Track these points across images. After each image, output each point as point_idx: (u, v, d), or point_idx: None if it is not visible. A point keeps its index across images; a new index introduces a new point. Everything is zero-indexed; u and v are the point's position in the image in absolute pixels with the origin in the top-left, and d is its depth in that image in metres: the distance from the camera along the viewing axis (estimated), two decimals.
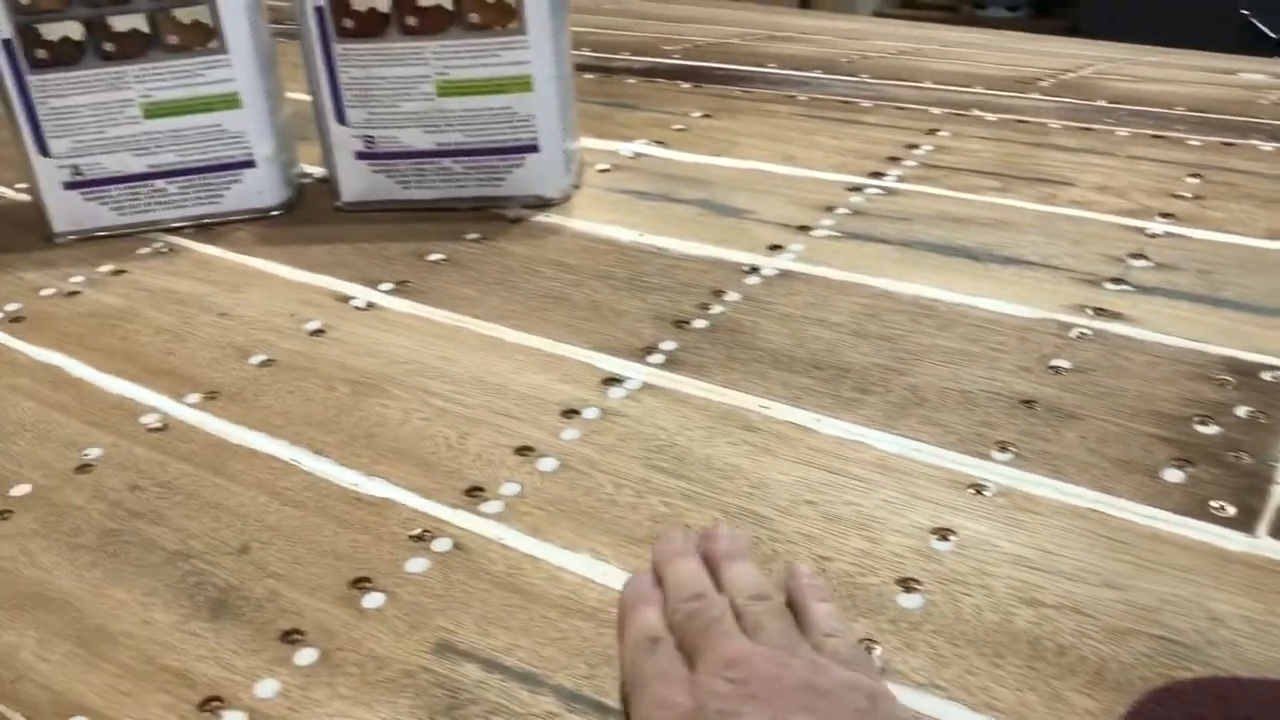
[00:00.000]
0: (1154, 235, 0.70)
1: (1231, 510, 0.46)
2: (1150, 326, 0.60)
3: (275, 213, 0.82)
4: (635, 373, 0.59)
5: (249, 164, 0.79)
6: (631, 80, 1.11)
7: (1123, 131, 0.89)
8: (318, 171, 0.85)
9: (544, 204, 0.79)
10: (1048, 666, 0.40)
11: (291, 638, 0.43)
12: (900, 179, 0.81)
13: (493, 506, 0.50)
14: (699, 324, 0.63)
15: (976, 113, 0.95)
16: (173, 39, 0.75)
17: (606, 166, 0.87)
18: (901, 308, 0.63)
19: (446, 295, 0.68)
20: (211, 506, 0.51)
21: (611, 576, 0.45)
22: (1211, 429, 0.51)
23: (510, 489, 0.51)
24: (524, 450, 0.53)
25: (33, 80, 0.74)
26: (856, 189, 0.79)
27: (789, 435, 0.53)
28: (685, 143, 0.91)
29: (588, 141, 0.90)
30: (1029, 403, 0.54)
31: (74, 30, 0.73)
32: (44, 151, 0.76)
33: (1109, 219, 0.73)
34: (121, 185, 0.78)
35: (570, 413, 0.56)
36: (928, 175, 0.81)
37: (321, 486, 0.52)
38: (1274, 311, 0.61)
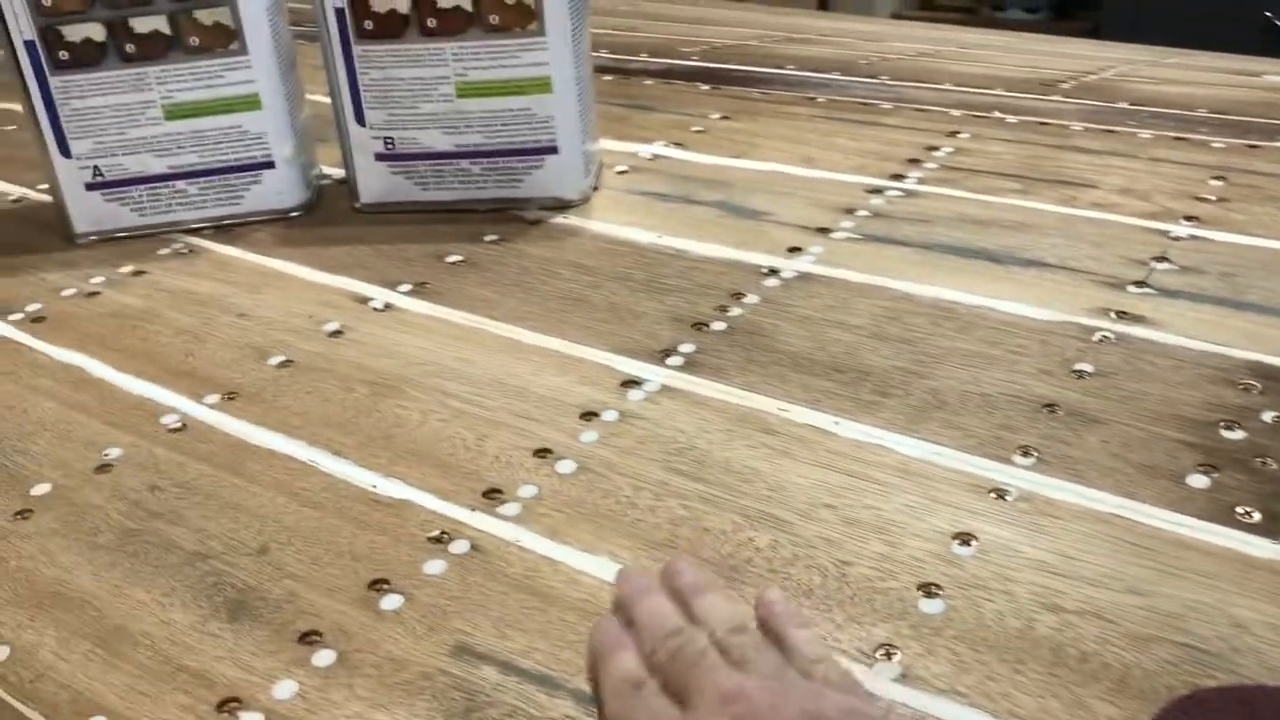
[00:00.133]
0: (1177, 238, 0.70)
1: (1257, 516, 0.46)
2: (1174, 330, 0.59)
3: (294, 214, 0.82)
4: (654, 375, 0.59)
5: (269, 165, 0.80)
6: (650, 82, 1.11)
7: (1145, 133, 0.88)
8: (337, 173, 0.85)
9: (563, 205, 0.79)
10: (1070, 673, 0.39)
11: (309, 639, 0.43)
12: (920, 181, 0.80)
13: (511, 508, 0.49)
14: (718, 326, 0.63)
15: (997, 115, 0.94)
16: (194, 40, 0.75)
17: (625, 168, 0.86)
18: (922, 310, 0.63)
19: (465, 297, 0.68)
20: (230, 507, 0.51)
21: None
22: (1237, 434, 0.51)
23: (528, 491, 0.50)
24: (542, 452, 0.53)
25: (55, 81, 0.75)
26: (876, 191, 0.79)
27: (808, 438, 0.53)
28: (704, 144, 0.91)
29: (606, 143, 0.90)
30: (1051, 406, 0.54)
31: (96, 32, 0.74)
32: (65, 152, 0.77)
33: (1131, 221, 0.72)
34: (142, 186, 0.79)
35: (589, 415, 0.56)
36: (948, 177, 0.81)
37: (340, 487, 0.52)
38: None
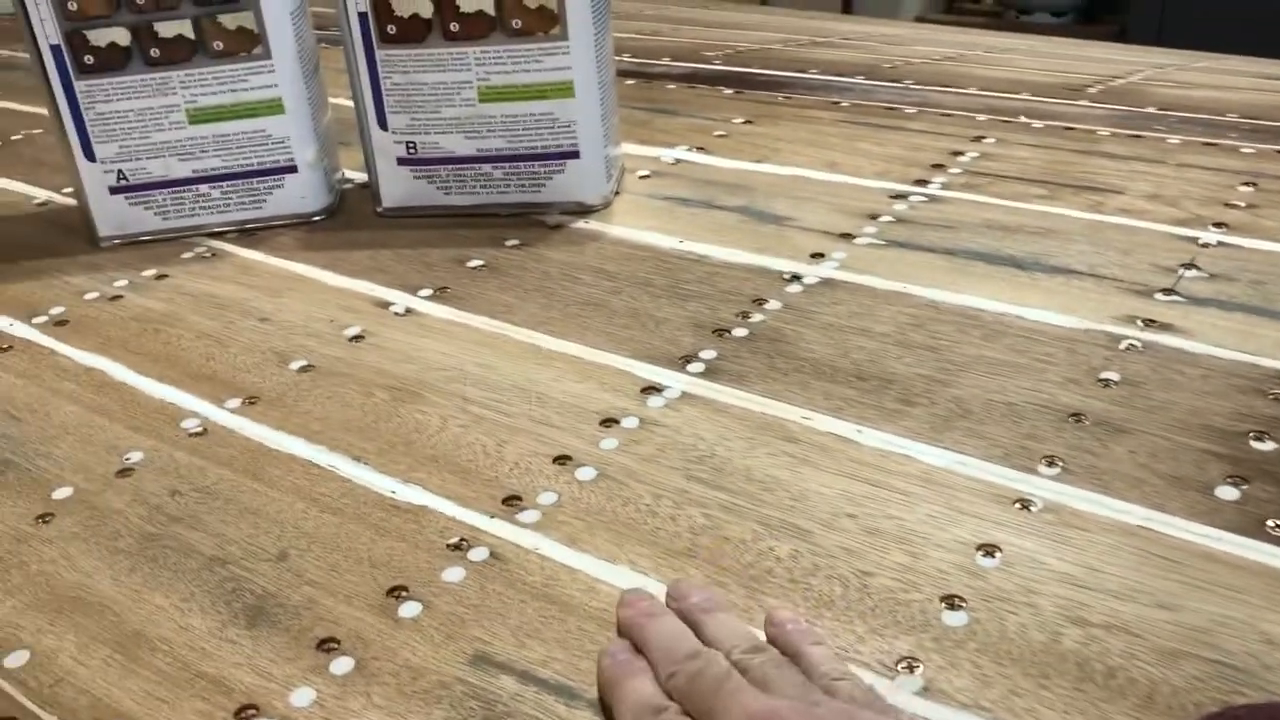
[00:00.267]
0: (1206, 245, 0.69)
1: None
2: (1203, 339, 0.58)
3: (317, 218, 0.82)
4: (674, 382, 0.58)
5: (292, 169, 0.80)
6: (673, 86, 1.10)
7: (1173, 139, 0.87)
8: (359, 177, 0.85)
9: (584, 210, 0.79)
10: (1096, 689, 0.39)
11: (327, 646, 0.43)
12: (945, 186, 0.80)
13: (530, 516, 0.49)
14: (739, 332, 0.62)
15: (1023, 119, 0.93)
16: (218, 45, 0.75)
17: (647, 173, 0.86)
18: (946, 317, 0.62)
19: (485, 302, 0.68)
20: (250, 512, 0.51)
21: (651, 589, 0.44)
22: (1267, 445, 0.50)
23: (548, 498, 0.50)
24: (562, 459, 0.53)
25: (80, 85, 0.75)
26: (900, 196, 0.78)
27: (830, 447, 0.52)
28: (726, 149, 0.90)
29: (629, 147, 0.89)
30: (1077, 416, 0.53)
31: (121, 36, 0.74)
32: (90, 156, 0.77)
33: (1159, 228, 0.71)
34: (166, 190, 0.79)
35: (609, 422, 0.55)
36: (973, 183, 0.80)
37: (359, 493, 0.52)
38: None
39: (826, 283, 0.67)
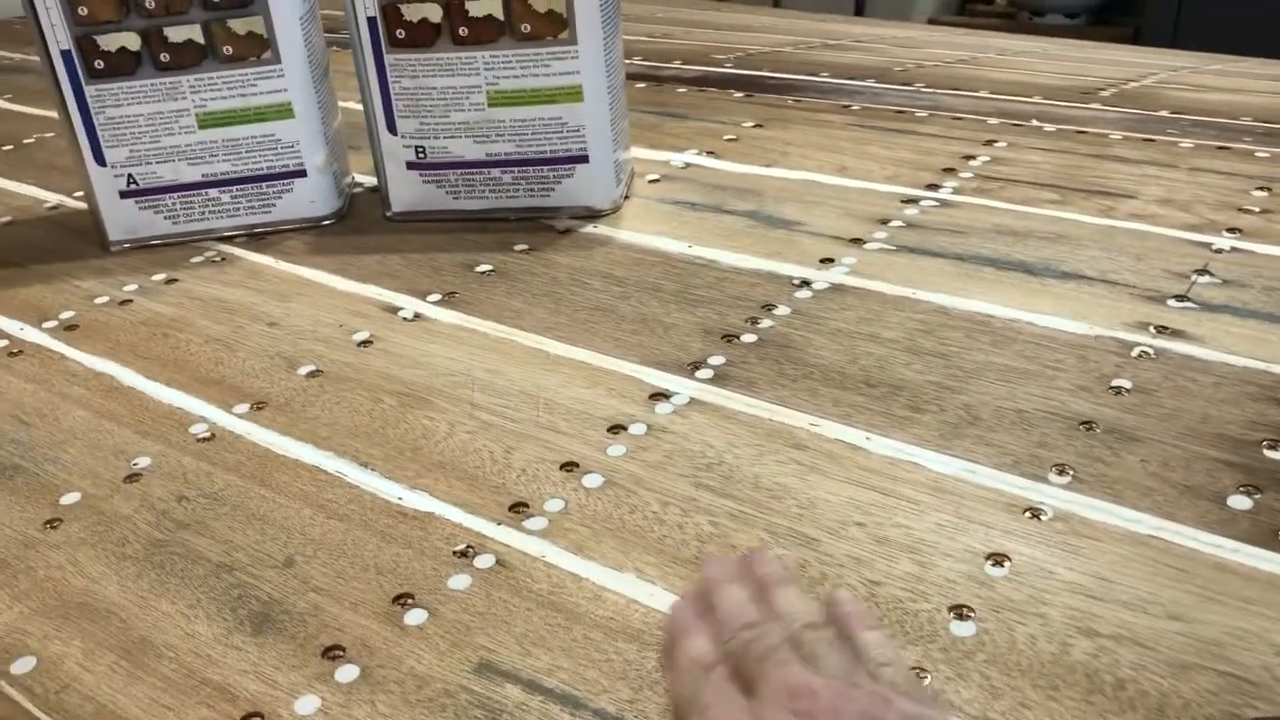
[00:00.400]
0: (1219, 250, 0.68)
1: None
2: (1216, 345, 0.58)
3: (326, 222, 0.82)
4: (683, 388, 0.58)
5: (301, 174, 0.80)
6: (683, 89, 1.10)
7: (1186, 143, 0.87)
8: (369, 181, 0.85)
9: (593, 215, 0.79)
10: (1106, 700, 0.38)
11: (333, 654, 0.43)
12: (956, 191, 0.79)
13: (536, 523, 0.49)
14: (748, 338, 0.62)
15: (1035, 123, 0.93)
16: (227, 49, 0.75)
17: (657, 177, 0.86)
18: (956, 324, 0.62)
19: (494, 307, 0.68)
20: (257, 519, 0.51)
21: (657, 598, 0.44)
22: None
23: (554, 505, 0.50)
24: (569, 466, 0.53)
25: (90, 90, 0.75)
26: (911, 201, 0.78)
27: (839, 454, 0.52)
28: (736, 153, 0.90)
29: (638, 151, 0.89)
30: (1088, 424, 0.53)
31: (131, 41, 0.74)
32: (100, 160, 0.77)
33: (1172, 233, 0.71)
34: (175, 194, 0.79)
35: (617, 428, 0.55)
36: (984, 187, 0.80)
37: (366, 500, 0.52)
38: None
39: (836, 288, 0.67)
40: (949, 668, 0.40)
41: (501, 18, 0.73)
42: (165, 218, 0.80)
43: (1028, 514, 0.47)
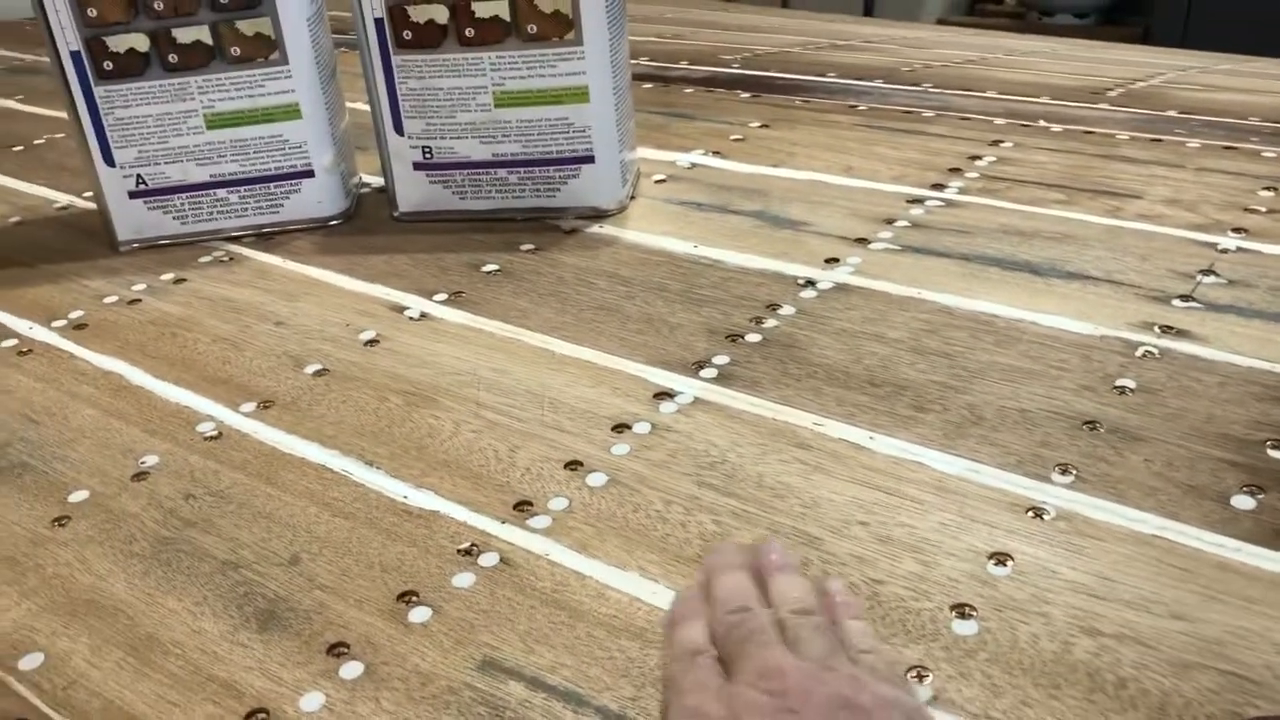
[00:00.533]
0: (1225, 251, 0.68)
1: None
2: (1221, 346, 0.58)
3: (334, 222, 0.82)
4: (687, 387, 0.58)
5: (308, 174, 0.80)
6: (690, 90, 1.10)
7: (1193, 143, 0.86)
8: (376, 181, 0.86)
9: (599, 215, 0.79)
10: (1107, 699, 0.38)
11: (338, 651, 0.43)
12: (962, 191, 0.79)
13: (541, 521, 0.49)
14: (753, 338, 0.62)
15: (1042, 123, 0.93)
16: (235, 50, 0.76)
17: (663, 177, 0.86)
18: (961, 323, 0.62)
19: (500, 306, 0.68)
20: (263, 517, 0.51)
21: (660, 596, 0.44)
22: None
23: (559, 504, 0.50)
24: (573, 465, 0.53)
25: (99, 91, 0.76)
26: (917, 201, 0.78)
27: (843, 453, 0.52)
28: (743, 153, 0.90)
29: (645, 151, 0.89)
30: (1092, 424, 0.53)
31: (139, 42, 0.74)
32: (109, 161, 0.78)
33: (1178, 233, 0.71)
34: (184, 194, 0.80)
35: (621, 427, 0.55)
36: (990, 187, 0.80)
37: (371, 498, 0.52)
38: None
39: (841, 288, 0.67)
40: (951, 666, 0.40)
41: (508, 19, 0.73)
42: (174, 218, 0.80)
43: (1031, 513, 0.47)
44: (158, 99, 0.76)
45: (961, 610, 0.43)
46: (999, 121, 0.94)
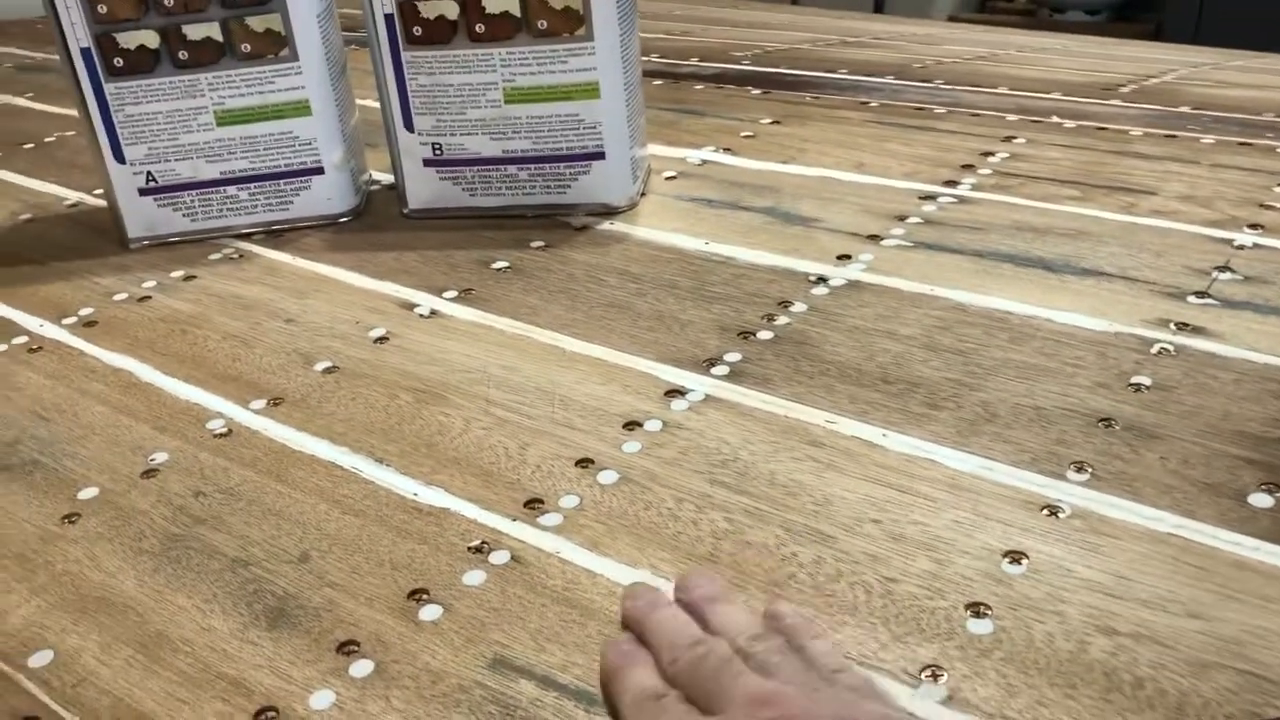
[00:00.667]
0: (1241, 247, 0.67)
1: None
2: (1237, 342, 0.57)
3: (344, 219, 0.82)
4: (698, 384, 0.58)
5: (318, 171, 0.80)
6: (700, 86, 1.10)
7: (1208, 138, 0.86)
8: (386, 178, 0.85)
9: (610, 212, 0.79)
10: (1124, 699, 0.38)
11: (348, 649, 0.43)
12: (974, 187, 0.79)
13: (551, 519, 0.49)
14: (764, 335, 0.62)
15: (1054, 119, 0.92)
16: (245, 47, 0.75)
17: (673, 174, 0.86)
18: (974, 320, 0.62)
19: (510, 304, 0.68)
20: (273, 514, 0.51)
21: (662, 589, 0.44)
22: None
23: (569, 501, 0.50)
24: (584, 462, 0.52)
25: (110, 88, 0.76)
26: (929, 197, 0.78)
27: (855, 451, 0.52)
28: (753, 150, 0.90)
29: (655, 148, 0.89)
30: (1107, 421, 0.52)
31: (150, 39, 0.74)
32: (119, 158, 0.78)
33: (1193, 229, 0.70)
34: (194, 191, 0.80)
35: (632, 424, 0.55)
36: (1003, 184, 0.79)
37: (381, 495, 0.52)
38: None
39: (853, 285, 0.67)
40: (965, 665, 0.40)
41: (518, 14, 0.73)
42: (184, 215, 0.80)
43: (1045, 511, 0.47)
44: (168, 96, 0.76)
45: (976, 609, 0.42)
46: (1011, 118, 0.93)
